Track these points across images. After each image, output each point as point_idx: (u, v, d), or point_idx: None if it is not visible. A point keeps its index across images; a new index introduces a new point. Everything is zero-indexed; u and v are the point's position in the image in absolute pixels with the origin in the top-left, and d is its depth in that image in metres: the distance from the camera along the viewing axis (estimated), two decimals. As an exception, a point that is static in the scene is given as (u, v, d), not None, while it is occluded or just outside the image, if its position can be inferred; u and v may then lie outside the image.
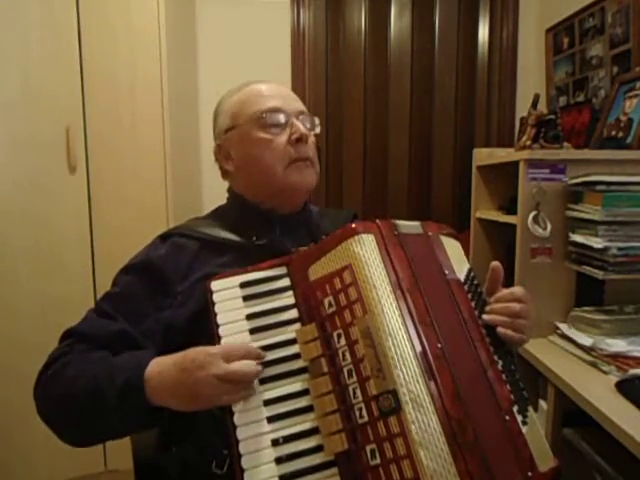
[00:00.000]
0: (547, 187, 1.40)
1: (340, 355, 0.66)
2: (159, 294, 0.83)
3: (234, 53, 2.31)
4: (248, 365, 0.65)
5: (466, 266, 0.81)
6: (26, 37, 1.69)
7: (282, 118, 0.89)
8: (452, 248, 0.82)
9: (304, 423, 0.66)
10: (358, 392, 0.63)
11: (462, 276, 0.78)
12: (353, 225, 0.72)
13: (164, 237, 0.90)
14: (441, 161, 2.50)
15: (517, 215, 1.44)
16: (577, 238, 1.35)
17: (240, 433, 0.64)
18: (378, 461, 0.60)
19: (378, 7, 2.41)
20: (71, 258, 1.81)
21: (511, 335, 0.74)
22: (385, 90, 2.45)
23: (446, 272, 0.76)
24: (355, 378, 0.64)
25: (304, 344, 0.69)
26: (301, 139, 0.88)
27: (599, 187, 1.29)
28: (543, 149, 1.46)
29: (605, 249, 1.27)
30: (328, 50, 2.42)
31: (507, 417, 0.66)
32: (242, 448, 0.64)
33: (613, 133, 1.60)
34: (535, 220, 1.39)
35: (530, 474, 0.63)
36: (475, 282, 0.79)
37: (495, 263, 0.81)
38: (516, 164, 1.44)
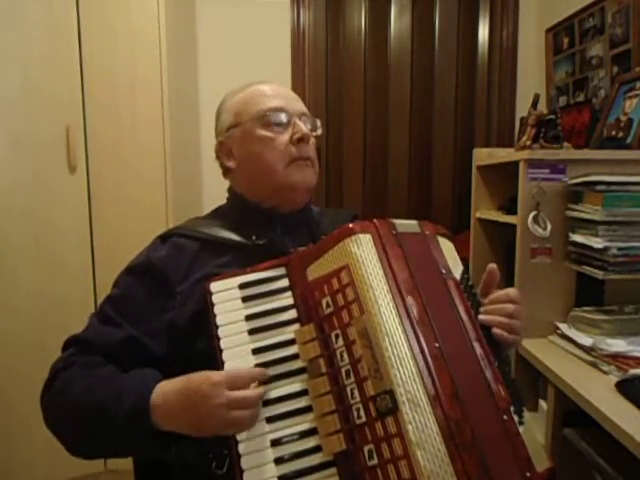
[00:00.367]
0: (547, 187, 1.40)
1: (338, 355, 0.66)
2: (161, 295, 0.83)
3: (234, 53, 2.31)
4: (251, 391, 0.65)
5: (460, 267, 0.81)
6: (26, 37, 1.69)
7: (284, 117, 0.90)
8: (447, 249, 0.82)
9: (303, 423, 0.65)
10: (356, 392, 0.63)
11: (457, 276, 0.78)
12: (350, 225, 0.72)
13: (164, 238, 0.90)
14: (441, 161, 2.50)
15: (517, 215, 1.44)
16: (577, 238, 1.35)
17: (239, 434, 0.65)
18: (376, 461, 0.60)
19: (378, 7, 2.42)
20: (71, 257, 1.81)
21: (506, 336, 0.75)
22: (385, 90, 2.45)
23: (443, 271, 0.75)
24: (353, 378, 0.64)
25: (303, 344, 0.69)
26: (303, 139, 0.89)
27: (599, 187, 1.29)
28: (543, 149, 1.46)
29: (605, 249, 1.27)
30: (328, 50, 2.42)
31: (505, 417, 0.66)
32: (241, 448, 0.64)
33: (613, 133, 1.60)
34: (535, 220, 1.39)
35: (528, 474, 0.63)
36: (469, 283, 0.79)
37: (492, 265, 0.82)
38: (516, 164, 1.44)
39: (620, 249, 1.28)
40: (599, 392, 1.07)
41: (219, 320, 0.71)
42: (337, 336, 0.67)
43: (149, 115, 1.82)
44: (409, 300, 0.68)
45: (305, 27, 2.35)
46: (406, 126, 2.48)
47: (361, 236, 0.71)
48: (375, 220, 0.74)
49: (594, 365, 1.21)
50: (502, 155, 1.78)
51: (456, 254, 0.84)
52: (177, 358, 0.79)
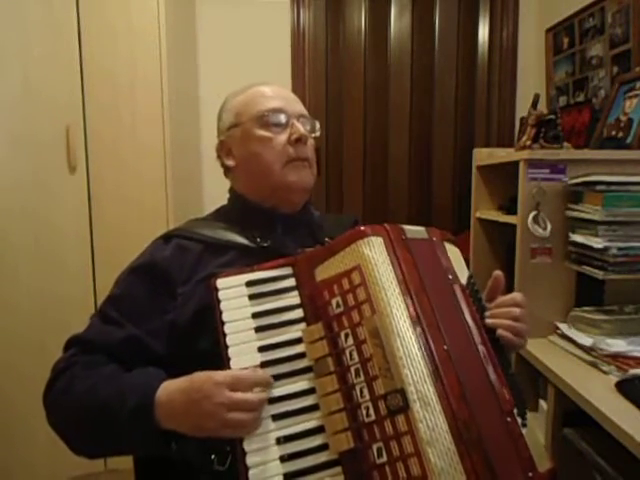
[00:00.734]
0: (547, 187, 1.40)
1: (347, 354, 0.66)
2: (162, 296, 0.83)
3: (234, 53, 2.31)
4: (253, 395, 0.65)
5: (466, 272, 0.83)
6: (26, 37, 1.69)
7: (283, 118, 0.91)
8: (453, 255, 0.83)
9: (309, 421, 0.66)
10: (365, 391, 0.64)
11: (463, 281, 0.80)
12: (362, 227, 0.73)
13: (167, 238, 0.91)
14: (441, 161, 2.50)
15: (517, 215, 1.44)
16: (577, 238, 1.35)
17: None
18: (385, 459, 0.60)
19: (378, 7, 2.42)
20: (71, 257, 1.81)
21: (511, 339, 0.76)
22: (385, 90, 2.45)
23: (450, 277, 0.77)
24: (362, 377, 0.64)
25: (310, 343, 0.70)
26: (300, 140, 0.91)
27: (599, 187, 1.29)
28: (543, 149, 1.46)
29: (605, 249, 1.27)
30: (328, 50, 2.42)
31: (509, 419, 0.67)
32: (247, 445, 0.64)
33: (613, 133, 1.60)
34: (535, 220, 1.39)
35: (531, 474, 0.64)
36: (475, 288, 0.81)
37: (498, 272, 0.84)
38: (516, 164, 1.44)
39: (620, 249, 1.28)
40: (599, 392, 1.07)
41: (225, 317, 0.72)
42: (347, 335, 0.67)
43: (149, 115, 1.82)
44: (418, 303, 0.69)
45: (305, 27, 2.35)
46: (406, 126, 2.48)
47: (373, 239, 0.72)
48: (386, 224, 0.75)
49: (594, 365, 1.21)
50: (502, 155, 1.78)
51: (462, 259, 0.86)
52: (179, 358, 0.79)
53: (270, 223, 0.91)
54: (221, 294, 0.73)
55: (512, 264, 1.46)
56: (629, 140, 1.51)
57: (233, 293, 0.74)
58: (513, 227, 1.47)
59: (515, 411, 0.69)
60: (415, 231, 0.79)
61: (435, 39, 2.44)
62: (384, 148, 2.48)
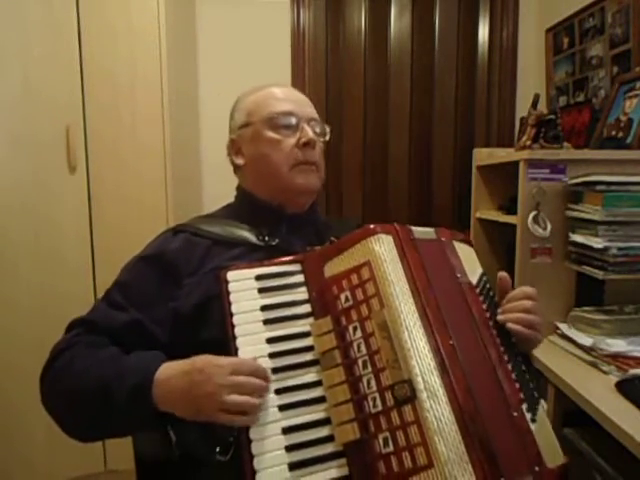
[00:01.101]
0: (547, 187, 1.40)
1: (355, 347, 0.68)
2: (169, 284, 0.84)
3: (234, 53, 2.31)
4: (255, 379, 0.66)
5: (479, 270, 0.84)
6: (26, 37, 1.69)
7: (293, 121, 0.92)
8: (466, 253, 0.84)
9: (316, 412, 0.67)
10: (372, 382, 0.65)
11: (474, 279, 0.81)
12: (372, 226, 0.75)
13: (176, 231, 0.92)
14: (441, 161, 2.50)
15: (517, 215, 1.44)
16: (577, 238, 1.35)
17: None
18: (391, 449, 0.61)
19: (378, 7, 2.41)
20: (71, 257, 1.81)
21: (522, 331, 0.77)
22: (385, 90, 2.45)
23: (458, 275, 0.78)
24: (370, 369, 0.66)
25: (318, 336, 0.71)
26: (309, 144, 0.92)
27: (599, 187, 1.29)
28: (543, 149, 1.46)
29: (605, 249, 1.27)
30: (328, 50, 2.42)
31: (515, 413, 0.68)
32: (253, 434, 0.65)
33: (613, 133, 1.60)
34: (535, 220, 1.39)
35: (537, 469, 0.64)
36: (487, 286, 0.82)
37: (502, 274, 0.84)
38: (516, 164, 1.44)
39: (620, 249, 1.28)
40: (599, 392, 1.07)
41: (234, 308, 0.73)
42: (355, 328, 0.69)
43: (149, 115, 1.81)
44: (426, 300, 0.70)
45: (305, 27, 2.35)
46: (406, 126, 2.47)
47: (383, 236, 0.74)
48: (395, 224, 0.76)
49: (594, 365, 1.21)
50: (502, 155, 1.78)
51: (475, 257, 0.87)
52: (180, 346, 0.79)
53: (277, 221, 0.93)
54: (231, 286, 0.75)
55: (512, 264, 1.46)
56: (629, 140, 1.51)
57: (243, 286, 0.75)
58: (513, 227, 1.47)
59: (525, 406, 0.69)
60: (423, 232, 0.80)
61: (435, 39, 2.44)
62: (384, 148, 2.48)
